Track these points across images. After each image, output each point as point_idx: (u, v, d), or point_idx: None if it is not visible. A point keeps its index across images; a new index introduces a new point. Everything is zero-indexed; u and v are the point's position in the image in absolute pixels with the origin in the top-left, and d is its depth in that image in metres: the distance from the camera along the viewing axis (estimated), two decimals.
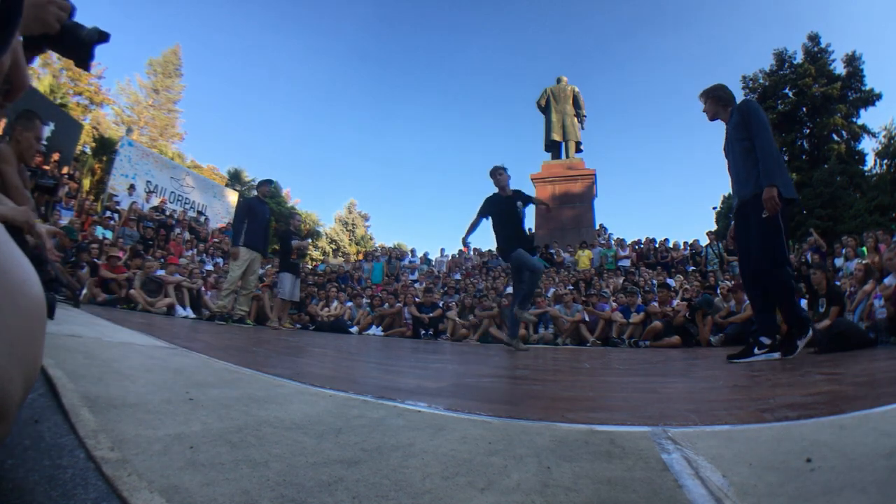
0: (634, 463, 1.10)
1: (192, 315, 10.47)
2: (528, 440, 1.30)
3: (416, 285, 15.27)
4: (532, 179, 20.16)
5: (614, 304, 10.67)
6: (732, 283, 10.75)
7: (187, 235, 16.03)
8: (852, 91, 33.52)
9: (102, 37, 1.38)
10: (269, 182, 10.48)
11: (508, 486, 0.94)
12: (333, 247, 46.53)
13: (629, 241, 17.56)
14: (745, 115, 4.78)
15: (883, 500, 0.83)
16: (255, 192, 10.52)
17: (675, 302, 10.13)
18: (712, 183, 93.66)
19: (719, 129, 5.16)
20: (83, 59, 1.38)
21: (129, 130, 31.51)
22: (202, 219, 20.20)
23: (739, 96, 5.14)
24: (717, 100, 5.09)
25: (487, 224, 7.28)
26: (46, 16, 1.11)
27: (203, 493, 0.83)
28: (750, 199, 4.68)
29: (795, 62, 35.17)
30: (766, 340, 4.53)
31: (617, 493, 0.92)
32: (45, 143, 14.70)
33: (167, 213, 17.38)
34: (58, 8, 1.16)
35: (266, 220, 10.03)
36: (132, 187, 18.36)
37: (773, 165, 4.46)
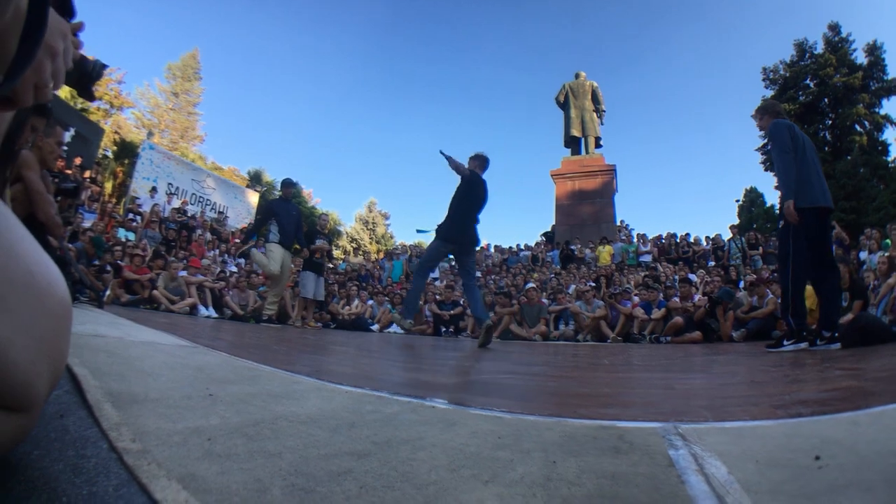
0: (640, 458, 1.10)
1: (215, 315, 10.60)
2: (537, 435, 1.31)
3: (437, 283, 15.30)
4: (552, 175, 20.08)
5: (636, 300, 10.61)
6: (755, 277, 10.66)
7: (209, 236, 16.21)
8: (874, 81, 33.02)
9: (104, 68, 1.42)
10: (289, 184, 10.41)
11: (512, 478, 0.96)
12: (354, 246, 46.76)
13: (651, 237, 17.46)
14: (770, 138, 5.30)
15: (890, 499, 0.82)
16: (276, 193, 10.56)
17: (697, 297, 10.05)
18: (735, 176, 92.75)
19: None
20: (88, 89, 1.41)
21: (149, 134, 31.95)
22: (222, 218, 20.39)
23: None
24: (773, 115, 5.48)
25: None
26: (67, 55, 1.15)
27: (218, 481, 0.86)
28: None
29: (816, 52, 34.73)
30: (825, 333, 4.90)
31: (619, 487, 0.93)
32: (65, 147, 14.93)
33: (189, 214, 17.57)
34: (73, 45, 1.20)
35: (294, 219, 9.99)
36: (154, 190, 18.61)
37: (787, 184, 4.97)
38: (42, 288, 0.77)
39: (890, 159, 32.24)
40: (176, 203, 18.68)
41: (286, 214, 9.81)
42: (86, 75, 1.36)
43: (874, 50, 33.09)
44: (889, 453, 1.06)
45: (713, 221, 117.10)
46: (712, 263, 14.78)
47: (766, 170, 36.46)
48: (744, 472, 0.99)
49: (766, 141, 35.49)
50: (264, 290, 11.08)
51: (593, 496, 0.89)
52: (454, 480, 0.94)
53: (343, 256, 37.60)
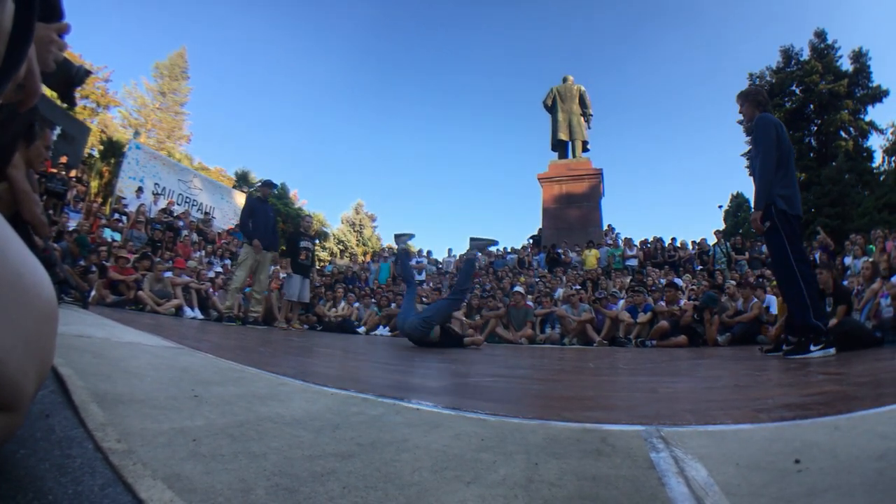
0: (622, 461, 1.12)
1: (201, 316, 10.51)
2: (521, 438, 1.33)
3: (424, 285, 15.26)
4: (539, 179, 20.13)
5: (622, 304, 10.64)
6: (736, 283, 10.72)
7: (195, 237, 16.08)
8: (859, 87, 33.43)
9: (87, 75, 1.42)
10: (269, 185, 10.42)
11: (494, 480, 0.97)
12: (341, 248, 46.57)
13: (637, 241, 17.55)
14: (756, 133, 5.00)
15: (868, 502, 0.84)
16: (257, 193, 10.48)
17: (683, 301, 10.09)
18: (720, 181, 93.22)
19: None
20: (70, 95, 1.41)
21: (136, 133, 31.67)
22: (208, 219, 20.17)
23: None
24: (755, 104, 5.17)
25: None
26: (48, 56, 1.14)
27: (203, 481, 0.87)
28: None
29: (802, 59, 35.10)
30: (791, 339, 4.78)
31: (599, 489, 0.94)
32: (51, 147, 14.74)
33: (175, 214, 17.41)
34: (57, 48, 1.19)
35: (271, 220, 9.95)
36: (140, 190, 18.39)
37: (764, 189, 4.76)
38: (29, 288, 0.77)
39: (874, 165, 32.61)
40: (162, 203, 18.47)
41: (263, 215, 9.73)
42: (69, 79, 1.35)
43: (860, 57, 33.49)
44: (868, 457, 1.07)
45: (700, 226, 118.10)
46: (699, 268, 14.88)
47: (750, 174, 36.77)
48: (724, 475, 1.00)
49: (750, 146, 35.98)
50: (249, 291, 11.01)
51: (573, 497, 0.90)
52: (437, 481, 0.96)
53: (330, 258, 37.48)
